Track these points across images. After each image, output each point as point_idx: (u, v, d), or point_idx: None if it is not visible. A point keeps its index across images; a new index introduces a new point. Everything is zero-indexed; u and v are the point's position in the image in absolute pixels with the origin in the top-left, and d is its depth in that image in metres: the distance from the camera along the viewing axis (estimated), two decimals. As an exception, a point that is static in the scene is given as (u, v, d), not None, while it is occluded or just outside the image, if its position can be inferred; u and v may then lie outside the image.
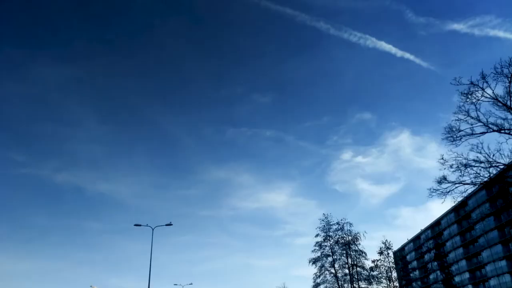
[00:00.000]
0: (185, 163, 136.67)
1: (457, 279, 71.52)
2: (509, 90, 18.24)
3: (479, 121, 19.12)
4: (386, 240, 51.47)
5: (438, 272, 78.30)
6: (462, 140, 19.41)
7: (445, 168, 19.57)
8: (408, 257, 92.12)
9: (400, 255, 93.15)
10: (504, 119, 18.60)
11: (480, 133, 19.19)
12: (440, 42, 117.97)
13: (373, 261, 46.69)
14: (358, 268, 42.40)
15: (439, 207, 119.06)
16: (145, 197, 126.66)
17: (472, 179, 19.08)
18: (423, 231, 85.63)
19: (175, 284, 64.77)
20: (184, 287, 65.63)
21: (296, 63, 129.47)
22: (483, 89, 18.56)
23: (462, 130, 19.44)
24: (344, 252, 42.92)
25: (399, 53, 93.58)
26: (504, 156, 18.24)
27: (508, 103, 18.37)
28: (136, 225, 36.69)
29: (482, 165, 18.75)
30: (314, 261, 43.21)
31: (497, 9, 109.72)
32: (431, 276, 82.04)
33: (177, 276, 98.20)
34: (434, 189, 20.05)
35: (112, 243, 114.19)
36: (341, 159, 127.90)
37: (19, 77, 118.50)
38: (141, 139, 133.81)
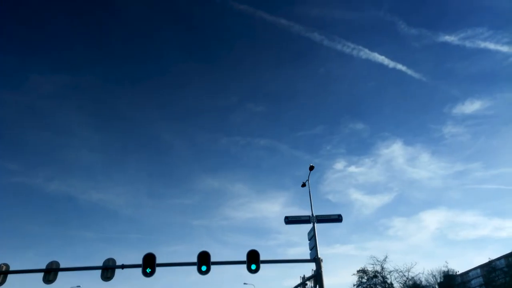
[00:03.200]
0: (179, 172, 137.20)
1: None
2: None
3: None
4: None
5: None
6: None
7: None
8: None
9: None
10: None
11: None
12: (432, 54, 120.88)
13: None
14: None
15: (432, 218, 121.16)
16: (137, 206, 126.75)
17: None
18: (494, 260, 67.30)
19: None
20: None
21: (291, 73, 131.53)
22: None
23: None
24: None
25: (391, 64, 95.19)
26: None
27: None
28: None
29: None
30: None
31: (488, 21, 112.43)
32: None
33: (169, 286, 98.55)
34: None
35: (102, 252, 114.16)
36: (334, 169, 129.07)
37: (13, 84, 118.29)
38: (135, 148, 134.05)
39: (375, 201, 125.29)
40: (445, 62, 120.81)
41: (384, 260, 45.02)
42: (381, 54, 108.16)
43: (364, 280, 45.96)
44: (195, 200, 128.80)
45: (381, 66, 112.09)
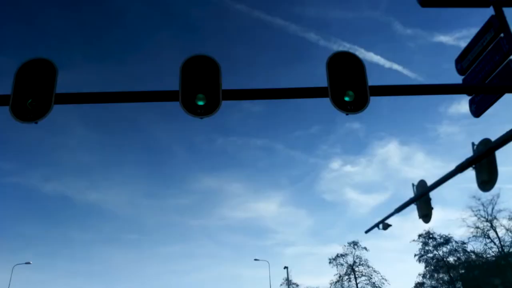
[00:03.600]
0: (175, 171, 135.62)
1: None
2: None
3: None
4: None
5: None
6: None
7: None
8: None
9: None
10: None
11: None
12: (427, 54, 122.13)
13: None
14: None
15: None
16: (134, 206, 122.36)
17: None
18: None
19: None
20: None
21: (287, 73, 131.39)
22: None
23: None
24: None
25: (387, 64, 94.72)
26: None
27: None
28: None
29: None
30: None
31: (483, 22, 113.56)
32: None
33: (165, 287, 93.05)
34: None
35: (99, 253, 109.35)
36: (330, 168, 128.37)
37: (9, 83, 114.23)
38: (131, 148, 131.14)
39: (370, 201, 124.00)
40: (441, 62, 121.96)
41: (492, 201, 28.77)
42: (376, 54, 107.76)
43: (429, 248, 34.43)
44: (192, 200, 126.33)
45: (376, 66, 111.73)
